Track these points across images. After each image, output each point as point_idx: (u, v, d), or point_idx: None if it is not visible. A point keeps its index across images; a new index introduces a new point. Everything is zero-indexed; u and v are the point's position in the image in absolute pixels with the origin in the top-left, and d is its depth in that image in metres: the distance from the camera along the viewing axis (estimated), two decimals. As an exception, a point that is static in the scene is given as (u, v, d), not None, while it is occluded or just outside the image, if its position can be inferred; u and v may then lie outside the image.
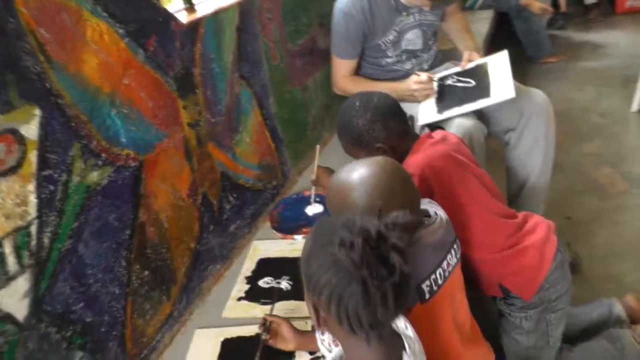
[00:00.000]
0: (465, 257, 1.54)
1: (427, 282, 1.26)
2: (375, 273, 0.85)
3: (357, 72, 2.42)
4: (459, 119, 2.04)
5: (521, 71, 4.49)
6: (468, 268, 1.58)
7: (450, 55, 2.54)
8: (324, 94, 2.70)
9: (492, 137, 2.27)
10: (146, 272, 1.57)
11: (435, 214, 1.37)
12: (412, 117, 2.17)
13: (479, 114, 2.14)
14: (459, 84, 2.18)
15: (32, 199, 1.23)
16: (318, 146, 2.09)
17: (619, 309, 1.90)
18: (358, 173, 1.26)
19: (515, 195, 2.28)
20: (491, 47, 4.20)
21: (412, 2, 2.10)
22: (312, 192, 2.08)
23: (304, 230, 1.98)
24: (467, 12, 4.43)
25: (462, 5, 4.36)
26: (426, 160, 1.57)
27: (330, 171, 1.92)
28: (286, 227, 2.03)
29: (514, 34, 4.67)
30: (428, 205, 1.41)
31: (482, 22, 4.19)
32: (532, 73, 4.51)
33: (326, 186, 1.80)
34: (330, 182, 1.35)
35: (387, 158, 1.33)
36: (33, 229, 1.24)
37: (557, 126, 2.71)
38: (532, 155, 2.19)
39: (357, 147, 1.70)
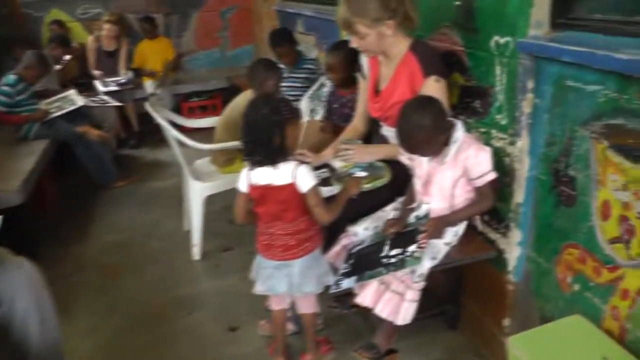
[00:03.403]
0: None
1: None
2: None
3: None
4: None
5: (90, 198, 4.39)
6: None
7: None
8: None
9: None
10: None
11: None
12: None
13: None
14: None
15: None
16: None
17: None
18: None
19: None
20: (58, 174, 4.06)
21: None
22: None
23: None
24: (22, 144, 4.14)
25: (16, 137, 4.09)
26: None
27: None
28: None
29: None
30: None
31: (30, 156, 3.83)
32: (101, 200, 4.42)
33: None
34: None
35: None
36: None
37: (117, 257, 3.17)
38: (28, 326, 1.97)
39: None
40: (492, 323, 2.39)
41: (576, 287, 1.89)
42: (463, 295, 2.56)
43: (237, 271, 3.15)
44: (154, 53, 5.86)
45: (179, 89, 6.11)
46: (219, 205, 3.34)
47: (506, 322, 2.31)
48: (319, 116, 3.45)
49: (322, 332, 2.57)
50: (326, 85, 3.56)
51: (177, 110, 5.88)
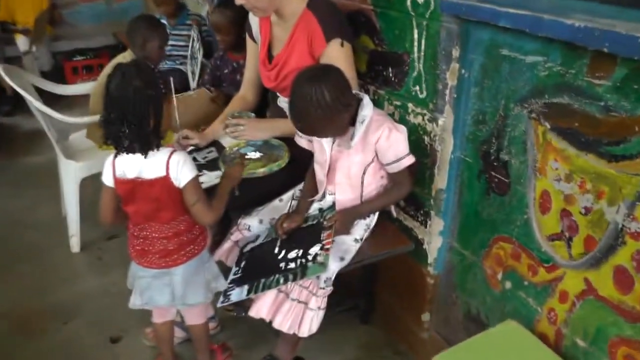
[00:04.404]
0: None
1: None
2: None
3: None
4: None
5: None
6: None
7: None
8: None
9: None
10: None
11: None
12: None
13: None
14: None
15: None
16: None
17: None
18: None
19: None
20: None
21: None
22: None
23: None
24: None
25: None
26: None
27: None
28: None
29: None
30: None
31: None
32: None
33: None
34: None
35: None
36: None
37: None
38: None
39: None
40: (411, 318, 2.15)
41: (507, 284, 1.67)
42: (377, 287, 2.29)
43: (121, 264, 2.67)
44: (23, 4, 5.04)
45: (59, 46, 5.45)
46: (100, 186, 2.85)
47: (426, 317, 2.08)
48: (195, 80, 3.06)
49: (218, 336, 2.25)
50: (196, 39, 3.14)
51: (59, 70, 5.28)
